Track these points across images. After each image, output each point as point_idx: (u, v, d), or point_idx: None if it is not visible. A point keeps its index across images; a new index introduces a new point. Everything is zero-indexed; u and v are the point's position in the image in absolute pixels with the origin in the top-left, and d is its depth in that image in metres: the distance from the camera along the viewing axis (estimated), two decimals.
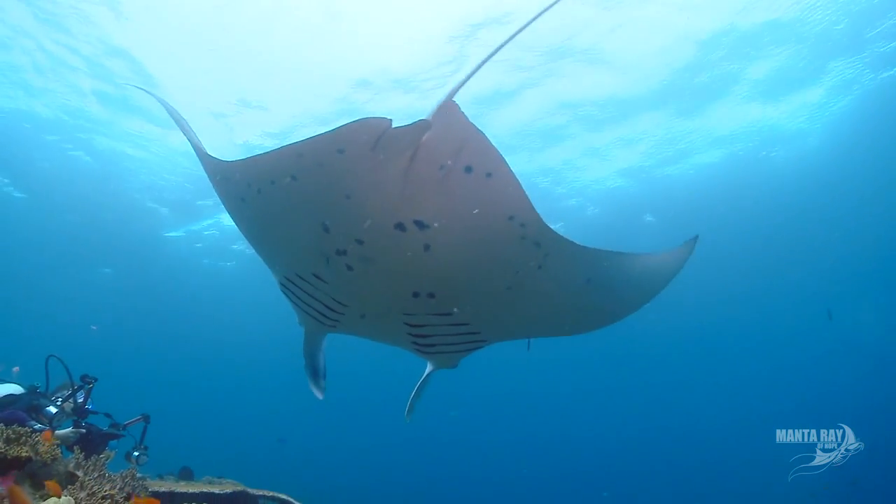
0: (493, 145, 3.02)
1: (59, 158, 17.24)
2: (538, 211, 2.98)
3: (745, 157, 16.79)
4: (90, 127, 15.86)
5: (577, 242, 3.08)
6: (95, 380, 4.90)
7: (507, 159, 2.89)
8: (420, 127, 3.03)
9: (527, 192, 2.95)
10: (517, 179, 2.95)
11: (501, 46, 3.18)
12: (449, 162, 3.05)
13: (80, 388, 4.84)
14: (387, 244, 3.46)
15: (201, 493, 5.38)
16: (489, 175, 3.04)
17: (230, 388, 39.62)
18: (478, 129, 3.03)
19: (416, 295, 3.62)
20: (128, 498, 3.46)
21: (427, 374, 4.41)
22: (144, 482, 4.06)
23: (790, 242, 22.69)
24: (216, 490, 5.46)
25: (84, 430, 4.56)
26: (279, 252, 4.20)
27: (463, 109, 2.80)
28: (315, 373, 4.48)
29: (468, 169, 3.03)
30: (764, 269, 24.51)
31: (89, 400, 4.90)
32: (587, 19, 11.85)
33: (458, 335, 3.85)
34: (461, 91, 2.91)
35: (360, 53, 13.03)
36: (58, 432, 4.35)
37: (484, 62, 3.14)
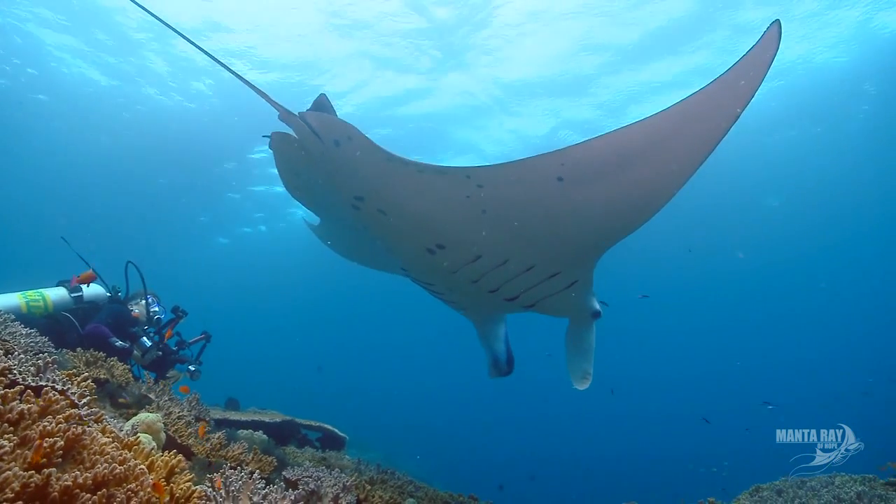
0: (332, 117, 3.71)
1: None
2: None
3: None
4: None
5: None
6: (186, 314, 5.21)
7: None
8: (277, 136, 3.95)
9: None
10: (361, 132, 3.49)
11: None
12: (321, 145, 3.71)
13: (172, 320, 5.15)
14: (367, 223, 4.09)
15: (252, 420, 5.72)
16: (350, 139, 3.57)
17: (270, 322, 41.10)
18: (314, 113, 3.74)
19: (431, 251, 3.88)
20: (197, 419, 3.77)
21: (572, 334, 4.24)
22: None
23: None
24: (266, 419, 5.81)
25: (161, 353, 4.90)
26: (379, 265, 5.26)
27: None
28: (494, 358, 4.65)
29: (336, 143, 3.66)
30: None
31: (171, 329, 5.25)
32: None
33: (521, 275, 3.82)
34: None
35: None
36: (135, 353, 4.69)
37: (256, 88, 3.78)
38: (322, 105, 3.83)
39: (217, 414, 5.75)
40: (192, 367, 5.27)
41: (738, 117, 2.65)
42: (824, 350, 36.48)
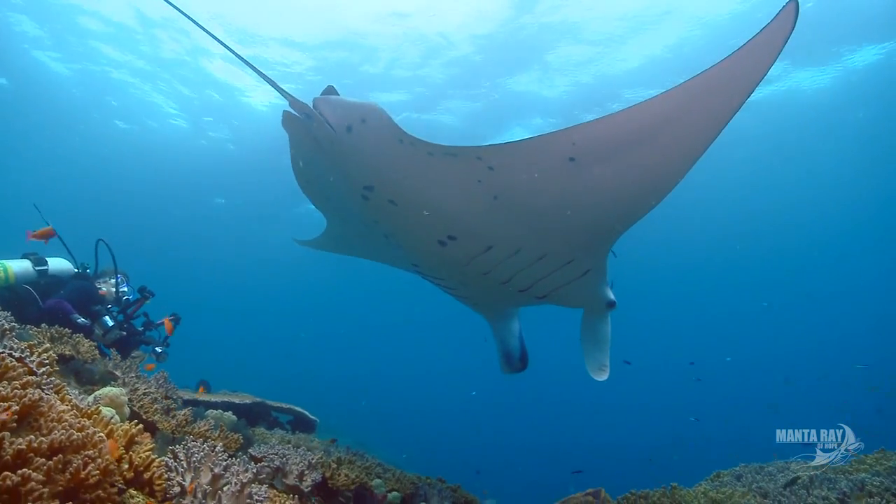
0: (346, 99, 3.61)
1: None
2: None
3: None
4: None
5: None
6: (153, 295, 5.13)
7: None
8: (288, 117, 3.80)
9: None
10: (384, 110, 3.38)
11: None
12: (333, 132, 3.60)
13: (138, 301, 5.07)
14: (377, 216, 3.98)
15: (222, 402, 5.70)
16: (364, 121, 3.48)
17: (245, 306, 40.82)
18: (323, 98, 3.67)
19: (442, 243, 3.75)
20: (165, 396, 3.75)
21: (587, 325, 4.14)
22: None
23: None
24: (236, 400, 5.79)
25: (125, 333, 4.83)
26: (387, 261, 5.04)
27: None
28: (507, 355, 4.56)
29: (349, 129, 3.55)
30: None
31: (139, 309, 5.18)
32: None
33: (534, 264, 3.73)
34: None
35: None
36: (97, 332, 4.62)
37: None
38: (331, 94, 3.77)
39: (186, 395, 5.70)
40: (158, 349, 5.22)
41: (751, 93, 2.66)
42: (793, 343, 37.40)
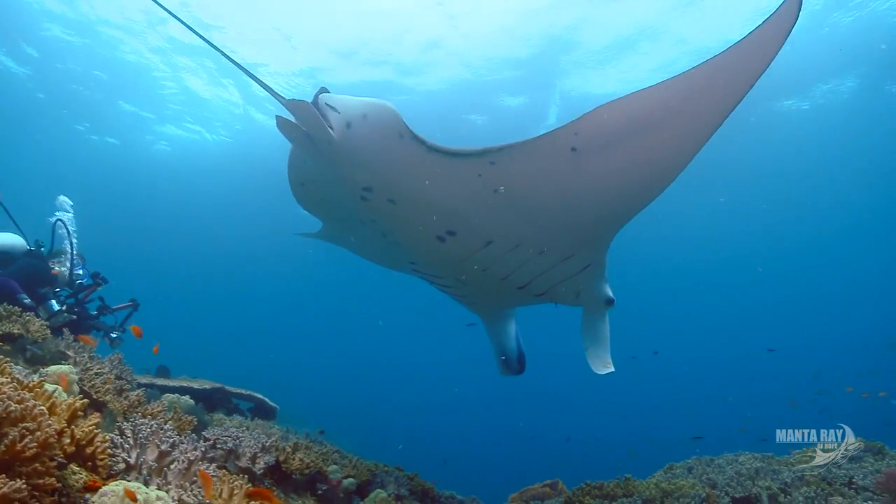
0: (347, 97, 3.58)
1: None
2: None
3: None
4: None
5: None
6: (106, 282, 5.01)
7: None
8: (283, 122, 3.74)
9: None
10: (391, 106, 3.32)
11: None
12: (331, 131, 3.57)
13: (91, 286, 4.94)
14: (376, 215, 3.96)
15: (180, 386, 5.61)
16: (365, 116, 3.44)
17: (210, 295, 40.23)
18: (325, 96, 3.62)
19: (441, 239, 3.73)
20: (118, 377, 3.68)
21: (587, 322, 4.08)
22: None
23: None
24: (195, 385, 5.71)
25: (75, 317, 4.70)
26: (383, 261, 5.02)
27: None
28: (505, 356, 4.52)
29: (349, 125, 3.51)
30: None
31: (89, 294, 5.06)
32: None
33: (533, 259, 3.69)
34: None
35: None
36: (41, 315, 4.49)
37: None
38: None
39: (145, 379, 5.60)
40: (113, 335, 5.12)
41: (754, 84, 2.64)
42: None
